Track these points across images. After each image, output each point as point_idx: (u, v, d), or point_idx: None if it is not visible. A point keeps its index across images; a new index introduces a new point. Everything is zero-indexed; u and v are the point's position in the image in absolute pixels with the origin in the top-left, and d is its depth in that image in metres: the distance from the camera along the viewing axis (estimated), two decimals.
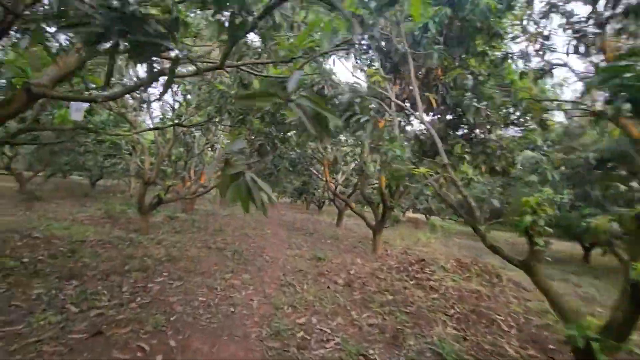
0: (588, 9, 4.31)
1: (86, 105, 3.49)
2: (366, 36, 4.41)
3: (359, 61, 6.51)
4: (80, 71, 2.50)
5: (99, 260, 5.02)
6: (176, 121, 5.93)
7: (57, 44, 2.41)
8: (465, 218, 4.01)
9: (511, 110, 5.89)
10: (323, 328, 3.60)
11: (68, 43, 2.46)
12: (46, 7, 2.13)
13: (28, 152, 15.18)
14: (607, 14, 4.03)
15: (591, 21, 4.35)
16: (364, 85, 5.24)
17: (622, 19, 3.90)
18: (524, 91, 5.05)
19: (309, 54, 2.66)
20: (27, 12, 1.94)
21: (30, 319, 3.01)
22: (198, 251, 6.26)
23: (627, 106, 1.89)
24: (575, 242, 13.14)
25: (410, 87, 5.01)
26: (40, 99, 2.46)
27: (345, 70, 56.02)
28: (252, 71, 3.31)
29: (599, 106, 4.09)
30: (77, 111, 3.44)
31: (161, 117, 7.49)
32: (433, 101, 5.38)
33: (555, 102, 5.42)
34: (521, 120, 6.08)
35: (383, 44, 5.40)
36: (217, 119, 5.43)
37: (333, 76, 4.55)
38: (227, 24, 1.77)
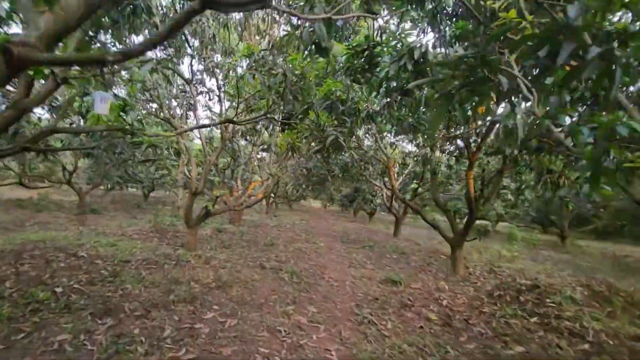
0: None
1: (110, 95, 2.67)
2: None
3: None
4: (86, 22, 1.61)
5: (141, 285, 4.27)
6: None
7: None
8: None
9: None
10: None
11: None
12: None
13: (88, 166, 15.84)
14: None
15: None
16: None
17: None
18: None
19: None
20: None
21: None
22: (251, 272, 5.33)
23: None
24: None
25: None
26: (27, 66, 1.59)
27: None
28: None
29: None
30: (102, 102, 2.62)
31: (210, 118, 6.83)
32: None
33: None
34: None
35: None
36: (276, 112, 4.49)
37: None
38: None
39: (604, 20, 1.66)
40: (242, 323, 3.46)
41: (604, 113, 1.87)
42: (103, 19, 2.67)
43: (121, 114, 3.16)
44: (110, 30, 3.15)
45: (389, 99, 3.57)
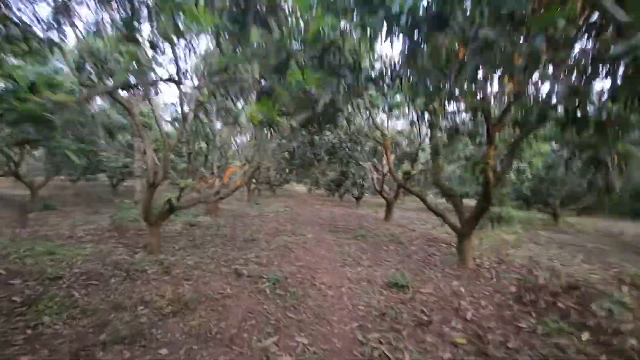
0: None
1: None
2: None
3: None
4: None
5: (65, 317, 3.11)
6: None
7: None
8: None
9: None
10: None
11: None
12: None
13: (41, 156, 14.06)
14: None
15: None
16: None
17: None
18: None
19: None
20: None
21: None
22: (223, 284, 4.23)
23: None
24: None
25: None
26: None
27: None
28: None
29: None
30: None
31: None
32: None
33: None
34: None
35: None
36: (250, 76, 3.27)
37: None
38: None
39: None
40: None
41: None
42: None
43: None
44: None
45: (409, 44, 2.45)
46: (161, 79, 4.61)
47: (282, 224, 10.13)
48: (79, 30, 4.68)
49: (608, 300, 3.63)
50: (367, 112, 6.95)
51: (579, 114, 3.19)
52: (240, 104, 6.45)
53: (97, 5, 4.22)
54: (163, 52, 4.30)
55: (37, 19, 4.26)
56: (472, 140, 8.07)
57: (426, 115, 6.85)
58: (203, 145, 10.81)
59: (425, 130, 9.53)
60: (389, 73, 3.28)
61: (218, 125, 10.39)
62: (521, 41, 2.42)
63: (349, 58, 2.77)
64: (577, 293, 3.94)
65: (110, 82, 4.83)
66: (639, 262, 6.96)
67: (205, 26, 3.49)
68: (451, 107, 7.27)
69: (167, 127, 10.26)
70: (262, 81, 3.69)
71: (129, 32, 3.72)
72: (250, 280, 4.49)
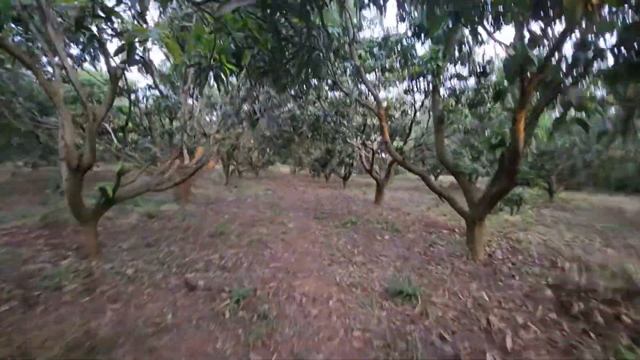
0: None
1: None
2: None
3: None
4: None
5: None
6: None
7: None
8: None
9: None
10: None
11: None
12: None
13: None
14: None
15: None
16: None
17: None
18: None
19: None
20: None
21: None
22: (162, 308, 3.05)
23: None
24: None
25: None
26: None
27: None
28: None
29: None
30: None
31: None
32: None
33: None
34: None
35: None
36: None
37: None
38: None
39: None
40: None
41: None
42: None
43: None
44: None
45: None
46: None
47: (260, 210, 8.94)
48: None
49: None
50: (356, 73, 5.67)
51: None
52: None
53: None
54: None
55: None
56: (474, 109, 7.00)
57: (427, 78, 5.65)
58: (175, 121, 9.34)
59: (420, 98, 8.38)
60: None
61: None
62: None
63: None
64: (635, 298, 2.97)
65: None
66: None
67: None
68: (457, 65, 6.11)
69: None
70: None
71: None
72: (205, 296, 3.32)
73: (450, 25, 5.14)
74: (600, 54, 2.95)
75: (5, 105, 6.22)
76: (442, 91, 7.12)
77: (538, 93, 4.30)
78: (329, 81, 6.43)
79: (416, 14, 7.10)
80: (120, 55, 3.16)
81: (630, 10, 3.02)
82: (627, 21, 3.14)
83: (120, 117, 9.15)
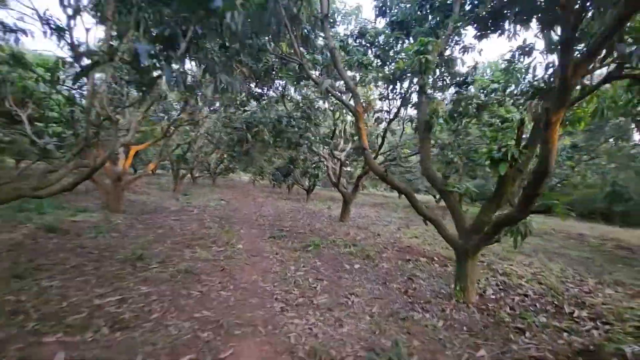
0: None
1: None
2: None
3: None
4: None
5: None
6: None
7: None
8: None
9: None
10: None
11: None
12: None
13: None
14: None
15: None
16: None
17: None
18: None
19: None
20: None
21: None
22: None
23: None
24: None
25: None
26: None
27: None
28: None
29: None
30: None
31: None
32: None
33: None
34: None
35: None
36: None
37: None
38: None
39: None
40: None
41: None
42: None
43: None
44: None
45: None
46: None
47: (206, 224, 7.43)
48: None
49: None
50: (330, 57, 4.56)
51: None
52: None
53: None
54: None
55: None
56: (452, 123, 6.24)
57: (411, 77, 4.72)
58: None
59: (396, 104, 7.52)
60: None
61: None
62: None
63: None
64: None
65: None
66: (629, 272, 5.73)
67: None
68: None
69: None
70: None
71: None
72: None
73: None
74: None
75: None
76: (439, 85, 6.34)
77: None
78: (296, 68, 5.30)
79: (397, 8, 6.29)
80: None
81: None
82: None
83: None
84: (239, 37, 2.95)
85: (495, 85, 7.09)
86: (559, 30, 4.58)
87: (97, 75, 4.43)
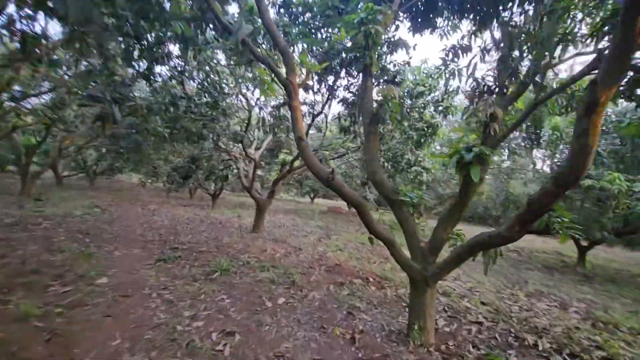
0: None
1: None
2: None
3: None
4: None
5: None
6: None
7: None
8: None
9: None
10: None
11: None
12: None
13: None
14: None
15: None
16: None
17: None
18: None
19: None
20: None
21: None
22: None
23: None
24: None
25: None
26: None
27: None
28: None
29: None
30: None
31: None
32: None
33: None
34: None
35: None
36: None
37: None
38: None
39: None
40: None
41: None
42: None
43: None
44: None
45: None
46: None
47: (54, 246, 5.07)
48: None
49: None
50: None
51: None
52: None
53: None
54: None
55: None
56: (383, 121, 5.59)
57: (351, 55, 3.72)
58: None
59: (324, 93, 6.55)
60: None
61: None
62: None
63: None
64: None
65: None
66: (558, 285, 6.01)
67: None
68: None
69: None
70: None
71: None
72: None
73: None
74: None
75: None
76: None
77: None
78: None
79: None
80: None
81: None
82: None
83: None
84: None
85: (421, 89, 6.81)
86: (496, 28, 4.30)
87: None
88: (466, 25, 4.98)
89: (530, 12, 3.58)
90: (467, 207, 3.30)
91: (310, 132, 7.67)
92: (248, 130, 6.22)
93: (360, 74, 3.80)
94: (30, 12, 3.21)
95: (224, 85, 5.53)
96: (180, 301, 3.49)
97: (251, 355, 2.58)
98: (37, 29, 5.21)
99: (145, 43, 4.54)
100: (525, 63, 3.53)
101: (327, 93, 6.60)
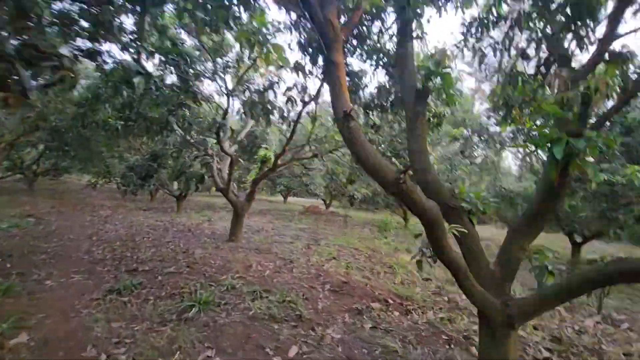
0: None
1: None
2: None
3: None
4: None
5: None
6: None
7: None
8: None
9: None
10: None
11: None
12: None
13: None
14: None
15: None
16: None
17: None
18: None
19: None
20: None
21: None
22: None
23: None
24: None
25: None
26: None
27: None
28: None
29: None
30: None
31: None
32: None
33: None
34: None
35: None
36: None
37: None
38: None
39: None
40: None
41: None
42: None
43: None
44: None
45: None
46: None
47: None
48: None
49: None
50: None
51: None
52: None
53: None
54: None
55: None
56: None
57: None
58: None
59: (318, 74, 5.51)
60: None
61: None
62: None
63: None
64: None
65: None
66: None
67: None
68: None
69: None
70: None
71: None
72: None
73: None
74: None
75: None
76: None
77: None
78: None
79: None
80: None
81: None
82: None
83: None
84: None
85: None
86: None
87: None
88: None
89: None
90: (551, 213, 2.45)
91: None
92: (226, 118, 4.97)
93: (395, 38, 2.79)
94: None
95: (194, 59, 4.27)
96: None
97: None
98: None
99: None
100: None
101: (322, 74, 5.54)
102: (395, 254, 7.33)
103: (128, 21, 7.33)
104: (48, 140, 12.18)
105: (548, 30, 2.88)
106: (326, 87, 5.84)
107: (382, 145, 6.69)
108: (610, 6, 2.52)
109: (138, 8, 3.70)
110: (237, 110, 5.61)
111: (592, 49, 2.58)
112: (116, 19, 3.73)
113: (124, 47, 4.28)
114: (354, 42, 5.31)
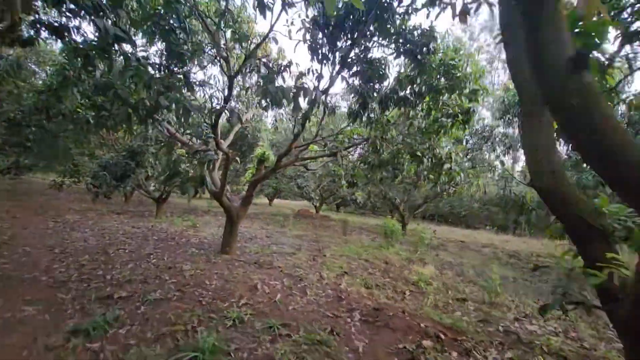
0: None
1: None
2: None
3: None
4: None
5: None
6: None
7: None
8: None
9: None
10: None
11: None
12: None
13: None
14: None
15: None
16: None
17: None
18: None
19: None
20: None
21: None
22: None
23: None
24: None
25: None
26: None
27: None
28: None
29: None
30: None
31: None
32: None
33: None
34: None
35: None
36: None
37: None
38: None
39: None
40: None
41: None
42: None
43: None
44: None
45: None
46: None
47: None
48: None
49: None
50: None
51: None
52: None
53: None
54: None
55: None
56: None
57: None
58: None
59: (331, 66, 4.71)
60: None
61: None
62: None
63: None
64: None
65: None
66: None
67: None
68: None
69: None
70: None
71: None
72: None
73: None
74: None
75: None
76: None
77: None
78: None
79: None
80: None
81: None
82: None
83: None
84: None
85: (453, 63, 5.29)
86: None
87: None
88: None
89: None
90: None
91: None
92: (229, 103, 4.01)
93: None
94: None
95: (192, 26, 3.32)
96: None
97: None
98: None
99: None
100: None
101: (340, 62, 4.71)
102: (410, 266, 6.57)
103: None
104: (6, 135, 10.67)
105: None
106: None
107: (399, 145, 5.93)
108: None
109: None
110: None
111: None
112: None
113: (97, 9, 3.26)
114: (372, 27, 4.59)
